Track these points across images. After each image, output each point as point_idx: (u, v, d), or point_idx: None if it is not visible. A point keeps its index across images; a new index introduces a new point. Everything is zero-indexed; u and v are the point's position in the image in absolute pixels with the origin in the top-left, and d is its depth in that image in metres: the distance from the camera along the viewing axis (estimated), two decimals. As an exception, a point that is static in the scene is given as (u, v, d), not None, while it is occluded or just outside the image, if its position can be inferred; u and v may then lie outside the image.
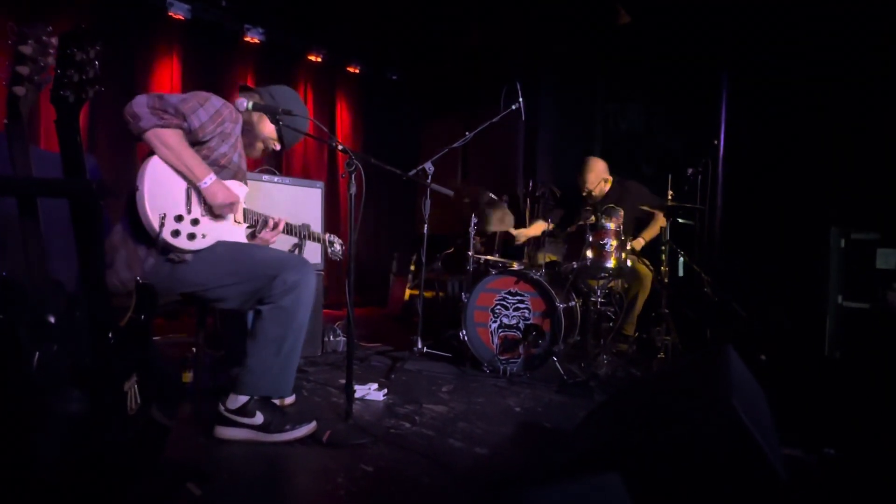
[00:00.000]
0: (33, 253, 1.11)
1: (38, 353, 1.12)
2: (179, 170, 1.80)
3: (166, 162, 1.78)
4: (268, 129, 2.11)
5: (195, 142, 1.85)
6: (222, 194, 1.87)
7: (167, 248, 1.78)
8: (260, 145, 2.14)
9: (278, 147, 2.17)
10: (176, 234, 1.78)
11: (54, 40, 1.01)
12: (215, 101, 1.87)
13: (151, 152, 1.77)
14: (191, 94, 1.85)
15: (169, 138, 1.75)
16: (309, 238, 2.28)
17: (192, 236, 1.82)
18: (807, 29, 3.80)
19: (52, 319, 1.15)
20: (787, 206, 3.95)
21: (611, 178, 3.74)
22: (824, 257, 3.45)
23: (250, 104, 1.97)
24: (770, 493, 0.92)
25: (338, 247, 2.38)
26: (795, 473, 1.53)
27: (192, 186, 1.84)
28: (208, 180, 1.83)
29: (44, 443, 1.09)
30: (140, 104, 1.70)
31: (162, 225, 1.74)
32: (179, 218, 1.80)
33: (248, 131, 2.09)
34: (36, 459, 1.08)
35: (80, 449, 1.13)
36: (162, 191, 1.77)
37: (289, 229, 2.21)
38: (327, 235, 2.39)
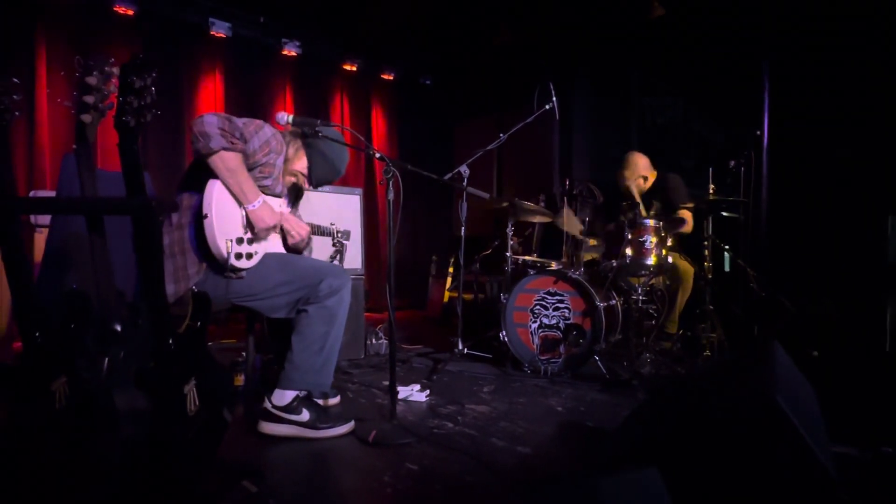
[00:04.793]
0: (100, 266, 1.20)
1: (106, 359, 1.21)
2: (233, 190, 1.87)
3: (222, 182, 1.85)
4: (301, 164, 2.13)
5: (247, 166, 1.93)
6: (269, 217, 1.96)
7: (234, 270, 1.88)
8: (290, 178, 2.15)
9: (307, 185, 2.19)
10: (238, 256, 1.87)
11: (115, 70, 1.10)
12: (267, 130, 1.95)
13: (209, 176, 1.84)
14: (249, 120, 1.92)
15: (231, 161, 1.83)
16: (324, 234, 2.56)
17: (249, 256, 1.92)
18: (852, 5, 3.61)
19: (117, 327, 1.24)
20: (839, 194, 3.77)
21: (654, 173, 3.62)
22: (881, 247, 3.29)
23: (290, 118, 2.05)
24: (819, 492, 0.90)
25: (344, 241, 2.63)
26: (849, 472, 1.48)
27: (241, 208, 1.93)
28: (257, 203, 1.91)
29: (111, 441, 1.18)
30: (211, 124, 1.76)
31: (229, 251, 1.83)
32: (240, 241, 1.89)
33: (284, 162, 2.12)
34: (104, 457, 1.17)
35: (144, 447, 1.21)
36: (226, 215, 1.85)
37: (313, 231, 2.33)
38: (336, 231, 2.60)
